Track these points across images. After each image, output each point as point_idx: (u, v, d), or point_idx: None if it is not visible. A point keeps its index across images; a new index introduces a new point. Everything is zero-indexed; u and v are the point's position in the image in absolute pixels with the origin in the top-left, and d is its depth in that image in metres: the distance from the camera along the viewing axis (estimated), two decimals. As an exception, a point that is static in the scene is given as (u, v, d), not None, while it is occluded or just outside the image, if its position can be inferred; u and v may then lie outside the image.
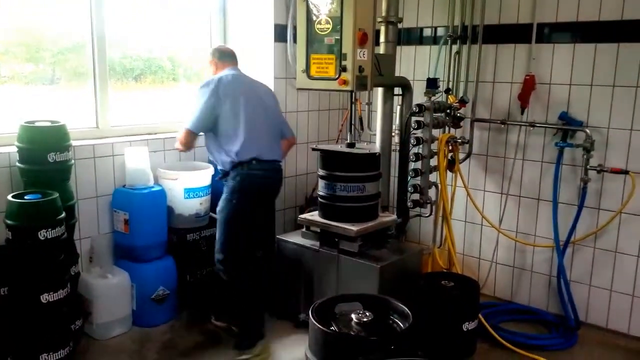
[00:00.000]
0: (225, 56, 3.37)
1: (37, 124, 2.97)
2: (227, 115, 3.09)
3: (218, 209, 3.18)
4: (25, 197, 2.77)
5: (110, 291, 3.25)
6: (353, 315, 2.16)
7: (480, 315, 3.32)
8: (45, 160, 2.91)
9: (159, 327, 3.43)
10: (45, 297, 2.76)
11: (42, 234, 2.72)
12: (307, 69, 3.20)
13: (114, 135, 3.56)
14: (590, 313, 3.62)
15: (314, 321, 2.08)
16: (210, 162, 3.63)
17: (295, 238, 3.61)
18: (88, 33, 3.43)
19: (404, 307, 2.20)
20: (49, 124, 3.00)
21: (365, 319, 2.14)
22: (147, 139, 3.62)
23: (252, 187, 3.14)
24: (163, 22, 3.90)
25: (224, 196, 3.17)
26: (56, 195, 2.82)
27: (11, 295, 2.77)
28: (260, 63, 3.97)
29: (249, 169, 3.11)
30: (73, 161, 3.08)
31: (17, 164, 2.94)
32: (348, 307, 2.28)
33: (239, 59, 4.12)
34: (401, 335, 2.07)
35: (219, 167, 3.26)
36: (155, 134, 3.76)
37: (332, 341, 2.02)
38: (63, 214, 2.84)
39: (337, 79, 3.07)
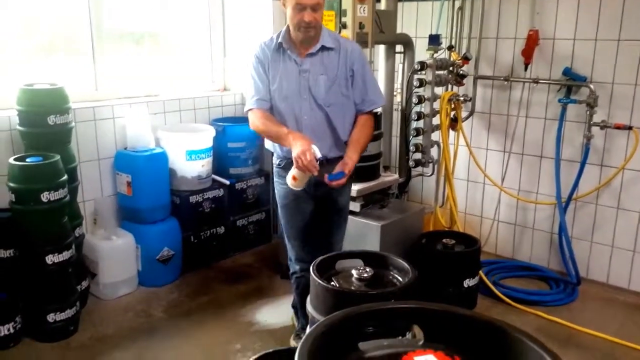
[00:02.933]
0: None
1: (36, 86, 2.96)
2: None
3: (347, 198, 2.80)
4: (27, 160, 2.78)
5: (115, 252, 3.29)
6: (353, 271, 2.17)
7: (481, 272, 3.36)
8: (46, 123, 2.91)
9: (164, 287, 3.48)
10: (50, 259, 2.81)
11: (45, 196, 2.75)
12: (306, 27, 3.15)
13: (113, 98, 3.54)
14: (591, 269, 3.65)
15: (315, 277, 2.10)
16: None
17: (297, 198, 3.62)
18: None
19: (404, 262, 2.21)
20: (48, 86, 2.98)
21: (365, 275, 2.15)
22: (147, 101, 3.61)
23: None
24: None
25: (351, 182, 2.82)
26: (57, 157, 2.83)
27: (18, 256, 2.82)
28: (259, 23, 3.91)
29: None
30: (73, 124, 3.08)
31: (18, 127, 2.94)
32: (349, 264, 2.29)
33: (238, 20, 4.09)
34: (401, 290, 2.09)
35: None
36: (155, 96, 3.74)
37: (332, 296, 2.04)
38: (65, 177, 2.86)
39: (337, 35, 3.03)
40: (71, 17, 3.42)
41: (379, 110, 3.19)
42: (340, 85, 2.55)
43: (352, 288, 2.12)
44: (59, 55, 3.45)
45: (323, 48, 2.52)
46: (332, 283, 2.14)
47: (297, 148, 2.36)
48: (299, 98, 2.53)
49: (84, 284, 3.17)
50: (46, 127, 2.92)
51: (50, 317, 2.85)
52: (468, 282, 3.18)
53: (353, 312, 1.18)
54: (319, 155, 2.37)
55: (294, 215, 2.73)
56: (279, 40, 2.54)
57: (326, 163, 2.54)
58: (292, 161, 2.42)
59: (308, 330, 1.10)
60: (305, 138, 2.41)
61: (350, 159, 2.49)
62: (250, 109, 2.58)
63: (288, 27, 2.51)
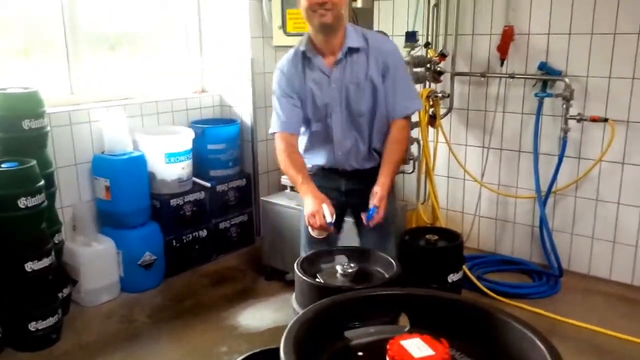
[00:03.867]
0: None
1: (9, 90, 2.91)
2: None
3: (390, 209, 2.37)
4: (2, 166, 2.73)
5: (96, 258, 3.24)
6: (338, 267, 2.16)
7: (464, 267, 3.37)
8: (20, 127, 2.85)
9: (147, 292, 3.43)
10: (29, 266, 2.76)
11: (22, 202, 2.70)
12: (284, 25, 3.16)
13: (89, 102, 3.49)
14: (573, 261, 3.69)
15: (300, 274, 2.09)
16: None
17: (279, 199, 3.62)
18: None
19: (388, 257, 2.21)
20: (21, 90, 2.93)
21: (350, 270, 2.15)
22: (123, 104, 3.57)
23: None
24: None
25: (393, 192, 2.48)
26: (33, 162, 2.78)
27: (-4, 265, 2.76)
28: (236, 23, 3.90)
29: None
30: (49, 128, 3.03)
31: (-9, 132, 2.89)
32: (333, 260, 2.29)
33: (214, 20, 4.05)
34: (386, 284, 2.09)
35: None
36: (132, 98, 3.70)
37: (317, 292, 2.03)
38: (42, 182, 2.81)
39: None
40: (45, 19, 3.35)
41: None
42: (371, 90, 2.28)
43: (337, 284, 2.11)
44: (32, 59, 3.39)
45: (350, 50, 2.25)
46: (317, 279, 2.13)
47: (307, 207, 2.20)
48: (331, 112, 2.31)
49: (65, 291, 3.11)
50: (21, 131, 2.86)
51: (32, 326, 2.79)
52: (452, 277, 3.19)
53: (339, 299, 1.17)
54: (329, 219, 2.17)
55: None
56: (302, 48, 2.29)
57: (363, 173, 2.37)
58: (320, 169, 2.43)
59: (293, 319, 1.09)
60: (317, 196, 2.21)
61: (382, 187, 2.22)
62: (274, 132, 2.37)
63: (309, 35, 2.29)
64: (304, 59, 2.30)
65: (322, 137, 2.39)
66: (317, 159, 2.43)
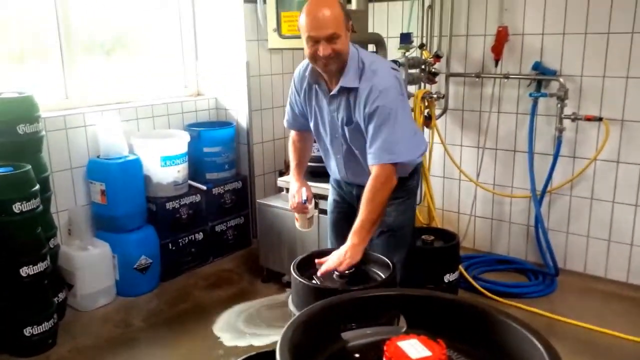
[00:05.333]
0: None
1: (3, 95, 2.90)
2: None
3: (401, 219, 2.42)
4: (-3, 170, 2.72)
5: (92, 262, 3.23)
6: (334, 269, 2.17)
7: (461, 267, 3.38)
8: (15, 132, 2.84)
9: (143, 296, 3.42)
10: (25, 271, 2.74)
11: (17, 207, 2.68)
12: (279, 28, 3.16)
13: (84, 106, 3.48)
14: (569, 260, 3.70)
15: (296, 275, 2.09)
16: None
17: (276, 201, 3.62)
18: (51, 3, 3.30)
19: (384, 258, 2.21)
20: (16, 95, 2.93)
21: (346, 271, 2.15)
22: (118, 108, 3.56)
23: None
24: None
25: (404, 201, 2.42)
26: (29, 167, 2.77)
27: (-10, 270, 2.75)
28: (230, 26, 3.90)
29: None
30: (44, 132, 3.02)
31: (-14, 137, 2.88)
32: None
33: (209, 23, 4.06)
34: (382, 285, 2.09)
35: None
36: (127, 102, 3.69)
37: (313, 293, 2.03)
38: (37, 187, 2.80)
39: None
40: (39, 24, 3.35)
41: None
42: (361, 130, 2.20)
43: (333, 285, 2.11)
44: (27, 64, 3.38)
45: (343, 89, 2.18)
46: (313, 281, 2.13)
47: (291, 189, 2.49)
48: (332, 137, 2.32)
49: (61, 295, 3.10)
50: (16, 136, 2.85)
51: (27, 331, 2.78)
52: (448, 277, 3.19)
53: (335, 301, 1.17)
54: (303, 198, 2.46)
55: (331, 227, 2.63)
56: (306, 74, 2.27)
57: None
58: (334, 180, 2.54)
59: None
60: (299, 180, 2.50)
61: (351, 247, 2.08)
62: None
63: None
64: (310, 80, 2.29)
65: (326, 154, 2.46)
66: (330, 172, 2.54)
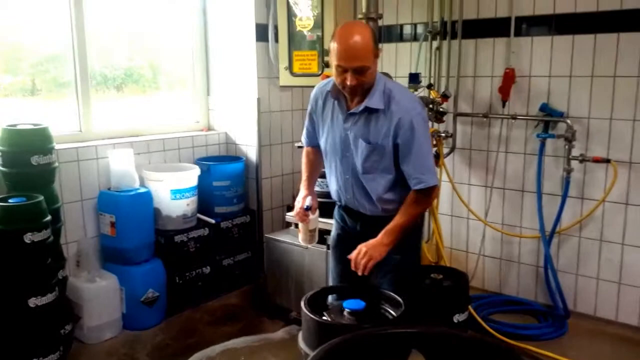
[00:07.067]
0: None
1: (19, 126, 2.95)
2: None
3: (406, 259, 2.46)
4: (10, 201, 2.74)
5: (100, 295, 3.21)
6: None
7: (470, 307, 3.34)
8: (29, 163, 2.88)
9: (149, 330, 3.39)
10: (33, 302, 2.73)
11: (28, 238, 2.69)
12: (290, 66, 3.23)
13: (97, 139, 3.53)
14: (579, 302, 3.66)
15: (307, 311, 2.08)
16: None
17: (284, 236, 3.62)
18: (68, 40, 3.39)
19: (395, 295, 2.21)
20: (31, 126, 2.97)
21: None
22: (131, 141, 3.61)
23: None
24: (143, 25, 3.88)
25: (408, 244, 2.43)
26: (41, 198, 2.79)
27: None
28: (243, 63, 3.98)
29: None
30: (57, 164, 3.05)
31: (0, 167, 2.91)
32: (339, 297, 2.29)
33: (221, 61, 4.14)
34: (393, 323, 2.08)
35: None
36: (139, 136, 3.74)
37: (325, 330, 2.01)
38: (48, 217, 2.81)
39: (320, 74, 3.10)
40: (56, 57, 3.44)
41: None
42: (381, 154, 2.25)
43: (344, 322, 2.10)
44: (42, 97, 3.45)
45: (367, 109, 2.23)
46: (324, 317, 2.12)
47: (297, 198, 2.59)
48: (343, 155, 2.35)
49: (68, 327, 3.07)
50: (29, 167, 2.89)
51: (33, 363, 2.76)
52: (458, 317, 3.15)
53: (352, 337, 1.17)
54: (306, 205, 2.57)
55: (334, 263, 2.64)
56: (328, 89, 2.33)
57: (370, 220, 2.40)
58: (338, 203, 2.56)
59: None
60: (308, 189, 2.60)
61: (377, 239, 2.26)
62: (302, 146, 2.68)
63: None
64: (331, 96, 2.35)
65: (333, 173, 2.47)
66: (332, 193, 2.55)
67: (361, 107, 2.22)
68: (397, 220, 2.28)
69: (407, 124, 2.18)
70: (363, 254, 2.23)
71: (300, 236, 2.67)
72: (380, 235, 2.26)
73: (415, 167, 2.23)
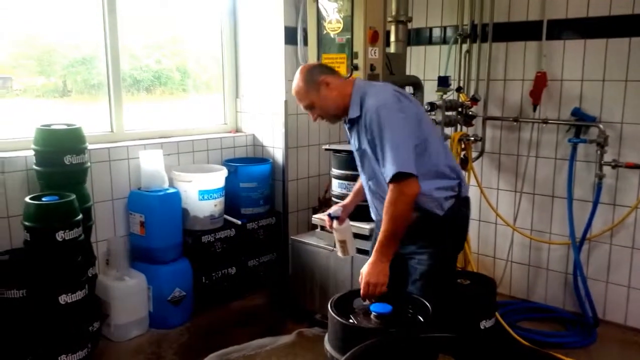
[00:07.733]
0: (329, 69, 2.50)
1: (53, 126, 3.01)
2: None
3: (433, 266, 2.39)
4: (43, 199, 2.79)
5: (128, 293, 3.26)
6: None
7: (497, 314, 3.30)
8: (62, 162, 2.93)
9: (175, 329, 3.42)
10: (63, 299, 2.78)
11: (60, 236, 2.74)
12: (319, 69, 3.22)
13: (128, 139, 3.59)
14: (608, 310, 3.59)
15: (333, 314, 2.08)
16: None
17: (309, 239, 3.63)
18: (101, 42, 3.46)
19: (423, 300, 2.19)
20: (65, 126, 3.03)
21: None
22: (161, 142, 3.65)
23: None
24: (173, 28, 3.94)
25: (434, 246, 2.39)
26: (73, 197, 2.84)
27: (30, 296, 2.79)
28: (271, 66, 4.00)
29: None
30: (89, 164, 3.11)
31: (34, 166, 2.97)
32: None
33: (250, 64, 4.18)
34: (421, 327, 2.06)
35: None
36: (169, 137, 3.79)
37: (351, 334, 2.01)
38: (80, 216, 2.86)
39: (349, 77, 3.09)
40: (88, 60, 3.51)
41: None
42: (369, 158, 2.33)
43: (371, 325, 2.09)
44: (72, 97, 3.52)
45: (350, 121, 2.37)
46: (351, 320, 2.12)
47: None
48: (360, 167, 2.48)
49: (96, 325, 3.12)
50: (62, 166, 2.94)
51: (62, 358, 2.79)
52: (484, 324, 3.11)
53: (385, 340, 1.16)
54: (331, 211, 2.65)
55: None
56: None
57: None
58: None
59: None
60: (346, 201, 2.70)
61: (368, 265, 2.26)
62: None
63: None
64: None
65: (364, 186, 2.55)
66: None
67: (346, 119, 2.40)
68: (382, 229, 2.21)
69: (374, 117, 2.21)
70: (367, 285, 2.22)
71: (337, 247, 2.73)
72: (373, 254, 2.25)
73: (383, 161, 2.18)
